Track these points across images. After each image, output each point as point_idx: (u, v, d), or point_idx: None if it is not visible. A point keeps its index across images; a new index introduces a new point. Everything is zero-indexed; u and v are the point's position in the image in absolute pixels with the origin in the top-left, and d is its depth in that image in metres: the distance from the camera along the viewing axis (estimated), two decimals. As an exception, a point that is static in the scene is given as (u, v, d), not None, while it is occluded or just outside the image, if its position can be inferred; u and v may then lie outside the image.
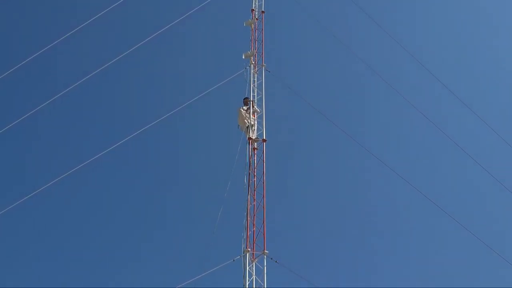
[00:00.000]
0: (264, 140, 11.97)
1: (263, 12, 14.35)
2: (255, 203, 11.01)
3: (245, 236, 10.54)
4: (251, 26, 13.97)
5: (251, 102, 12.48)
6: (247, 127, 12.08)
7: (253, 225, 10.77)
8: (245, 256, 10.35)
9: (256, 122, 12.36)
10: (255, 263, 10.39)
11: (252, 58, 13.10)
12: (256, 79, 12.96)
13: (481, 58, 31.09)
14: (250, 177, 11.31)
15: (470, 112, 19.81)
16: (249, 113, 12.27)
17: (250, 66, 13.02)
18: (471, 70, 30.67)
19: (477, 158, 17.95)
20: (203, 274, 10.14)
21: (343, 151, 24.53)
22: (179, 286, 10.12)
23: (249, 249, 10.41)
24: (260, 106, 12.62)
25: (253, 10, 14.38)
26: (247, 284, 10.08)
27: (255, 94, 12.79)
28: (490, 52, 30.86)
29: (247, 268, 10.25)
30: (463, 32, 31.42)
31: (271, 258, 10.47)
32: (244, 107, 12.39)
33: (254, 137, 11.98)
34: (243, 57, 13.15)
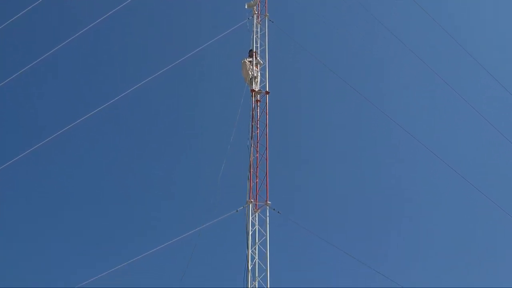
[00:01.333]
0: (267, 92, 11.92)
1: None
2: (258, 155, 11.07)
3: (248, 187, 10.66)
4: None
5: (254, 54, 12.35)
6: (251, 79, 12.01)
7: (256, 176, 10.87)
8: (248, 207, 10.50)
9: (259, 74, 12.27)
10: (258, 214, 10.54)
11: (255, 8, 12.87)
12: (259, 30, 12.79)
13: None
14: (253, 129, 11.34)
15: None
16: (253, 65, 12.17)
17: (253, 17, 12.82)
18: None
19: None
20: (206, 224, 10.31)
21: (346, 103, 24.46)
22: (182, 236, 10.32)
23: (252, 200, 10.55)
24: (263, 57, 12.50)
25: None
26: (250, 234, 10.25)
27: (258, 45, 12.65)
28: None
29: (250, 218, 10.40)
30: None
31: (274, 209, 10.62)
32: (248, 59, 12.26)
33: (257, 89, 11.92)
34: (246, 7, 12.91)
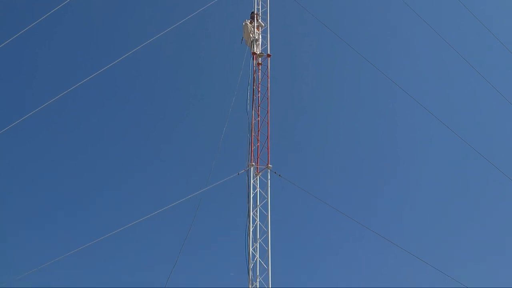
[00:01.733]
0: (268, 55, 11.82)
1: None
2: (259, 118, 11.05)
3: (249, 151, 10.70)
4: None
5: (256, 16, 12.19)
6: (252, 41, 11.89)
7: (257, 140, 10.89)
8: (249, 170, 10.55)
9: (260, 37, 12.14)
10: (259, 177, 10.60)
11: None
12: (261, -9, 12.59)
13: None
14: (255, 93, 11.29)
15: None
16: (254, 27, 12.03)
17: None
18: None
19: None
20: (208, 187, 10.39)
21: (348, 66, 24.33)
22: (184, 198, 10.40)
23: (253, 163, 10.59)
24: (264, 20, 12.34)
25: None
26: (251, 197, 10.33)
27: (260, 7, 12.48)
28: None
29: (251, 181, 10.47)
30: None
31: (275, 172, 10.67)
32: (250, 21, 12.11)
33: (258, 52, 11.81)
34: None
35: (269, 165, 10.63)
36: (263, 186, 10.54)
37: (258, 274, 9.69)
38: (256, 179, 10.56)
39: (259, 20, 12.21)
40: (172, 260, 10.12)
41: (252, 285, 9.54)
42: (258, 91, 11.28)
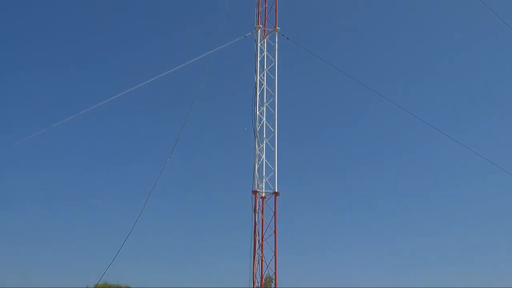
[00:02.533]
0: None
1: None
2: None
3: (256, 13, 10.39)
4: None
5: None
6: None
7: (265, 1, 10.54)
8: (256, 33, 10.35)
9: None
10: (266, 40, 10.43)
11: None
12: None
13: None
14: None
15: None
16: None
17: None
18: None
19: None
20: (215, 49, 10.25)
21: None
22: (192, 60, 10.29)
23: (260, 26, 10.36)
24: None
25: None
26: (258, 60, 10.25)
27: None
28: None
29: (259, 44, 10.32)
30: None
31: (283, 35, 10.49)
32: None
33: None
34: None
35: (277, 28, 10.41)
36: (270, 49, 10.42)
37: (264, 136, 9.93)
38: (264, 42, 10.40)
39: None
40: (182, 118, 10.24)
41: (258, 147, 9.83)
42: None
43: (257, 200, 9.59)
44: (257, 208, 9.51)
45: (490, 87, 27.06)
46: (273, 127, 10.07)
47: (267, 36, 10.44)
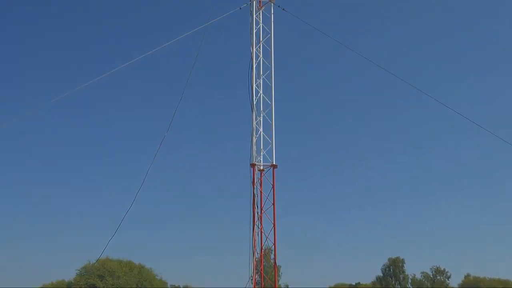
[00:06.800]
0: None
1: None
2: None
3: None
4: None
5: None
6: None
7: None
8: (251, 4, 10.23)
9: None
10: (262, 11, 10.33)
11: None
12: None
13: None
14: None
15: None
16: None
17: None
18: None
19: None
20: (211, 21, 10.14)
21: None
22: (188, 33, 10.20)
23: (256, -5, 10.24)
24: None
25: None
26: (253, 32, 10.17)
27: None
28: None
29: (254, 16, 10.22)
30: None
31: (279, 6, 10.40)
32: None
33: None
34: None
35: (272, -2, 10.30)
36: (266, 21, 10.33)
37: (262, 109, 9.95)
38: (259, 13, 10.31)
39: None
40: (179, 91, 10.22)
41: (256, 120, 9.85)
42: None
43: (255, 173, 9.69)
44: (255, 181, 9.62)
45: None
46: (270, 99, 10.07)
47: (263, 8, 10.34)
